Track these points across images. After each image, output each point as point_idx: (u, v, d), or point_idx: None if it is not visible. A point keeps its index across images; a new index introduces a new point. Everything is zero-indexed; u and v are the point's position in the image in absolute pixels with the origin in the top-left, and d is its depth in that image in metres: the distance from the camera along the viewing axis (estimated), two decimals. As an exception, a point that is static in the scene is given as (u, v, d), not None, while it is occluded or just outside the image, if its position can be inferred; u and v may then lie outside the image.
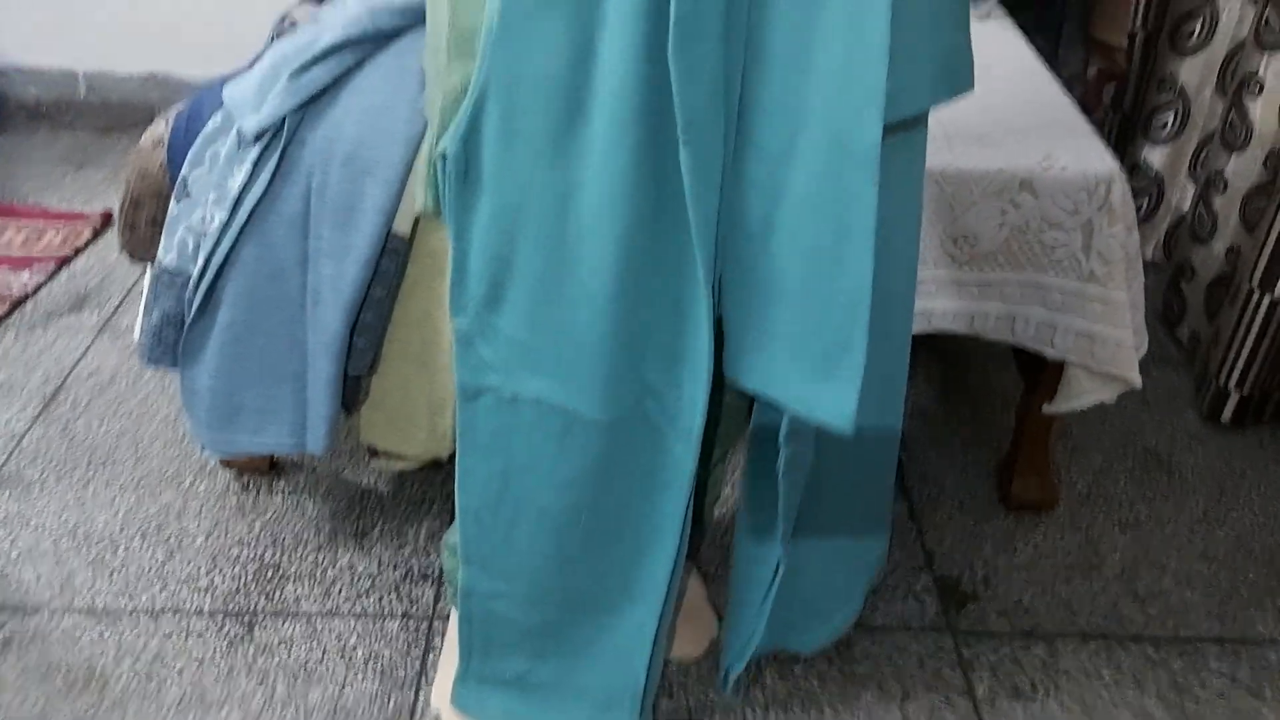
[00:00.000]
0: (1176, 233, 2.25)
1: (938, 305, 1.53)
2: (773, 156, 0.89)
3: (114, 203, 2.41)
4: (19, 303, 2.09)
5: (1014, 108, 1.60)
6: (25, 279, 2.14)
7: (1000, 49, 1.81)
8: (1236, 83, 1.98)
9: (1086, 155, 1.47)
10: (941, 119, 1.55)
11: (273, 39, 1.56)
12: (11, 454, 1.72)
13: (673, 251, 0.93)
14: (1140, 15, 2.22)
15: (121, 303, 2.11)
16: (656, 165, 0.89)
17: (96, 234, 2.33)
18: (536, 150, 0.91)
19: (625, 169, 0.88)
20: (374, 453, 1.60)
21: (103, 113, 2.84)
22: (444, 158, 0.96)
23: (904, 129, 0.96)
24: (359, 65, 1.39)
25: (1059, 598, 1.54)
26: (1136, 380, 1.47)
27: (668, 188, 0.90)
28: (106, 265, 2.23)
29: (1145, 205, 2.31)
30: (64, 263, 2.22)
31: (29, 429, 1.78)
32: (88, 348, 1.98)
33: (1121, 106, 2.31)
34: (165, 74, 2.80)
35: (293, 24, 1.67)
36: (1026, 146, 1.48)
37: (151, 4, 2.70)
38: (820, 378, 0.93)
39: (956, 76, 0.96)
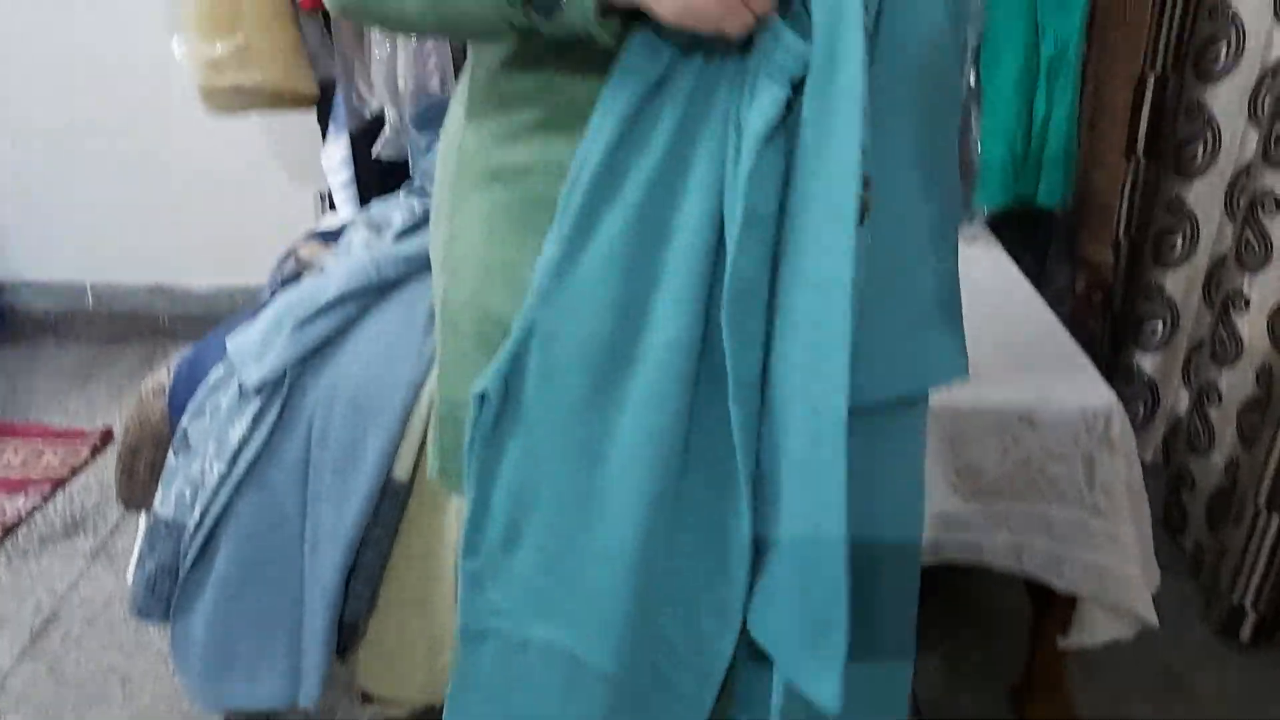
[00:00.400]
0: (1174, 438, 2.25)
1: (945, 537, 1.51)
2: (774, 420, 0.89)
3: (116, 418, 2.44)
4: (11, 529, 2.07)
5: (1008, 338, 1.62)
6: (20, 503, 2.13)
7: (989, 272, 1.86)
8: (1222, 297, 2.02)
9: (1083, 388, 1.49)
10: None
11: (279, 281, 1.60)
12: (-5, 698, 1.67)
13: (706, 508, 0.92)
14: (1122, 224, 2.29)
15: (117, 525, 2.09)
16: (694, 423, 0.89)
17: (95, 452, 2.33)
18: (575, 399, 0.90)
19: (664, 426, 0.88)
20: (367, 698, 1.55)
21: (109, 323, 2.88)
22: (481, 397, 0.94)
23: (900, 403, 0.97)
24: (363, 313, 1.42)
25: (1086, 846, 1.46)
26: (1152, 618, 1.44)
27: (704, 446, 0.90)
28: (103, 485, 2.22)
29: (1141, 411, 2.32)
30: (60, 484, 2.21)
31: (15, 666, 1.73)
32: (81, 574, 1.95)
33: (1110, 312, 2.36)
34: (172, 285, 2.87)
35: (297, 261, 1.72)
36: (1024, 380, 1.50)
37: (158, 217, 2.78)
38: (809, 647, 0.91)
39: (939, 369, 0.97)
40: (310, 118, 2.27)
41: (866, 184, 0.78)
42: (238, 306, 2.84)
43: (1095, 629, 1.50)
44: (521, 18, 0.80)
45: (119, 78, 2.64)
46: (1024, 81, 1.85)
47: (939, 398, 1.47)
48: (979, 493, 1.49)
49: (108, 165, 2.75)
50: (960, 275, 1.57)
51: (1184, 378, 2.24)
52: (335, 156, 2.20)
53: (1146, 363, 2.30)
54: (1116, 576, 1.45)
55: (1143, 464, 2.26)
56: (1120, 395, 2.27)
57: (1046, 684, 1.64)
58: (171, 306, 2.87)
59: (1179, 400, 2.27)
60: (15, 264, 2.88)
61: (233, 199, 2.74)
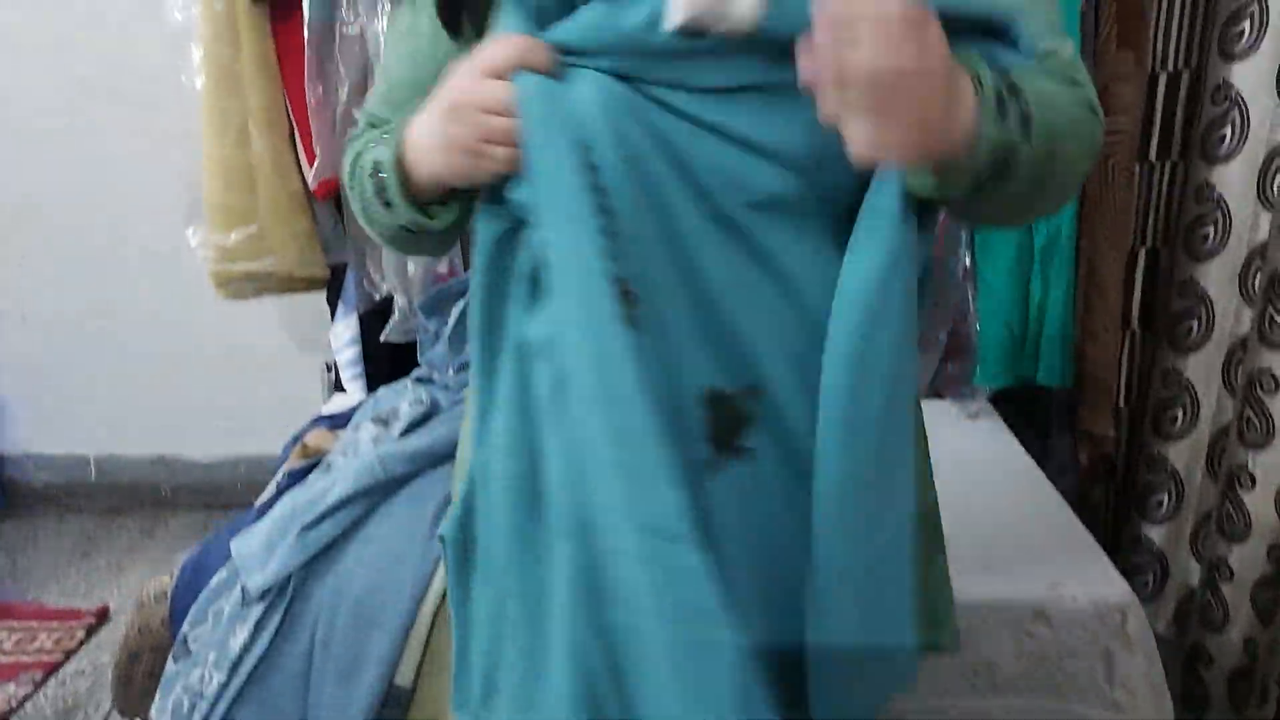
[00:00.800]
0: (1187, 612, 2.22)
1: (962, 735, 1.47)
2: None
3: (113, 595, 2.40)
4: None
5: (1016, 525, 1.62)
6: (11, 691, 2.07)
7: (992, 449, 1.87)
8: (1226, 473, 2.02)
9: (1097, 581, 1.48)
10: (948, 539, 1.56)
11: (286, 477, 1.60)
12: None
13: None
14: (1121, 395, 2.31)
15: (109, 715, 2.03)
16: None
17: (90, 633, 2.28)
18: (510, 539, 0.90)
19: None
20: None
21: (111, 494, 2.87)
22: (442, 540, 0.96)
23: None
24: (370, 513, 1.42)
25: None
26: (1181, 823, 1.39)
27: None
28: (97, 669, 2.17)
29: (1150, 582, 2.29)
30: (53, 669, 2.16)
31: None
32: (68, 773, 1.88)
33: (1114, 483, 2.35)
34: (174, 455, 2.87)
35: (304, 449, 1.72)
36: (1035, 572, 1.48)
37: (160, 389, 2.80)
38: None
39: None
40: (319, 295, 2.31)
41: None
42: (239, 476, 2.84)
43: (1124, 835, 1.44)
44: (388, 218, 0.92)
45: (127, 260, 2.71)
46: (1019, 265, 1.90)
47: (954, 587, 1.46)
48: (996, 689, 1.45)
49: (112, 340, 2.78)
50: (963, 453, 1.58)
51: (1193, 549, 2.22)
52: (343, 335, 2.24)
53: (1154, 534, 2.28)
54: (1142, 779, 1.41)
55: (1157, 636, 2.24)
56: (1129, 566, 2.26)
57: None
58: (173, 477, 2.87)
59: (1189, 571, 2.24)
60: (18, 437, 2.89)
61: (236, 370, 2.76)
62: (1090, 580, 1.47)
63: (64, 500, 2.87)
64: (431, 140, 0.87)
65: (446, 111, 0.85)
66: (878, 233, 0.79)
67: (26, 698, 2.07)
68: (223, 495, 2.80)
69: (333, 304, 2.29)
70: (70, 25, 2.55)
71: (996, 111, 0.76)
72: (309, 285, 2.15)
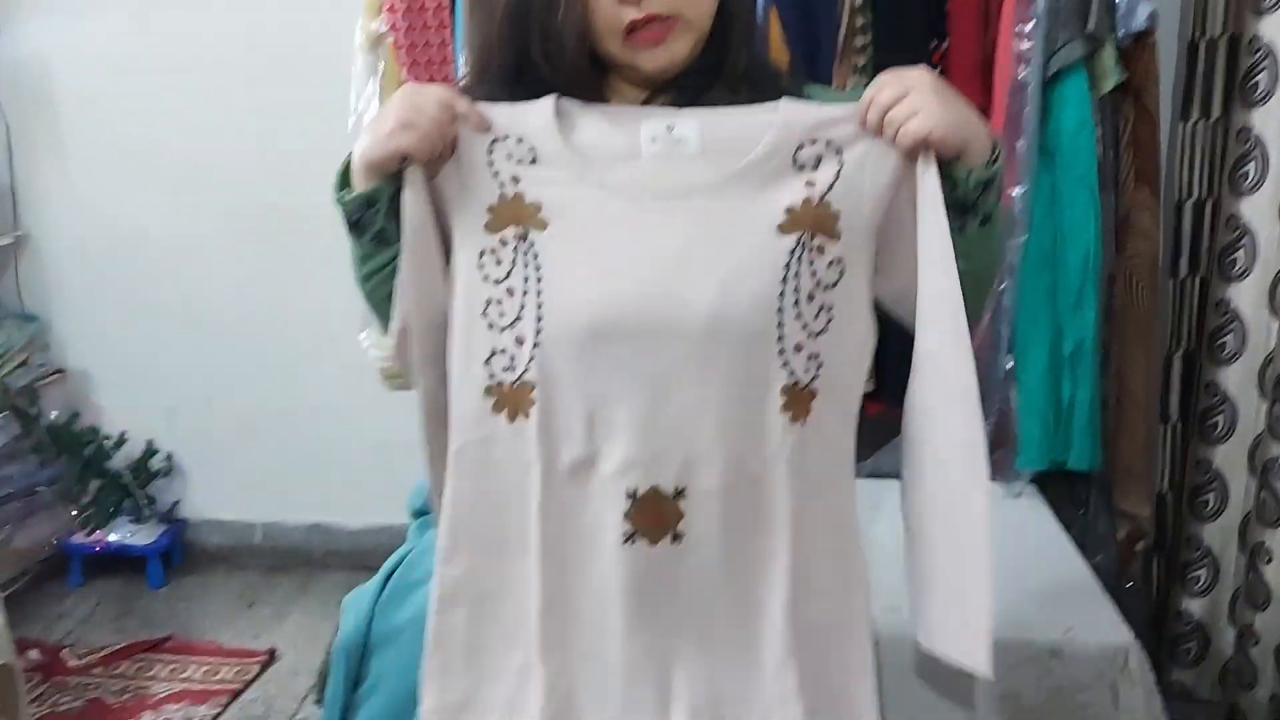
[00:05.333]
0: (1225, 675, 2.45)
1: (993, 757, 1.77)
2: None
3: (277, 640, 2.82)
4: (197, 732, 2.43)
5: (1042, 584, 1.92)
6: (204, 711, 2.50)
7: (1030, 524, 2.17)
8: (1250, 549, 2.29)
9: (1104, 627, 1.77)
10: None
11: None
12: None
13: None
14: (1164, 480, 2.59)
15: (282, 733, 2.44)
16: None
17: (263, 669, 2.71)
18: None
19: None
20: None
21: (273, 555, 3.33)
22: None
23: None
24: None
25: None
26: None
27: None
28: (269, 698, 2.58)
29: (1194, 650, 2.53)
30: (235, 695, 2.58)
31: None
32: (253, 779, 2.28)
33: (1163, 553, 2.61)
34: (327, 524, 3.32)
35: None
36: (1053, 618, 1.79)
37: (317, 466, 3.26)
38: None
39: None
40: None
41: None
42: (380, 542, 3.26)
43: (1132, 847, 1.71)
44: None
45: (298, 358, 3.21)
46: (1051, 369, 2.23)
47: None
48: (1020, 715, 1.75)
49: (280, 424, 3.27)
50: (1004, 525, 1.91)
51: (1230, 620, 2.47)
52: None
53: (1194, 607, 2.53)
54: (1147, 797, 1.68)
55: (1201, 701, 2.47)
56: (1175, 636, 2.51)
57: None
58: (326, 543, 3.31)
59: (1228, 641, 2.48)
60: (196, 504, 3.38)
61: (383, 452, 3.20)
62: (1098, 627, 1.77)
63: (232, 559, 3.33)
64: (374, 123, 1.11)
65: (402, 94, 1.11)
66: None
67: (216, 717, 2.50)
68: (367, 558, 3.22)
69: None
70: (251, 153, 3.08)
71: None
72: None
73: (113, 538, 3.13)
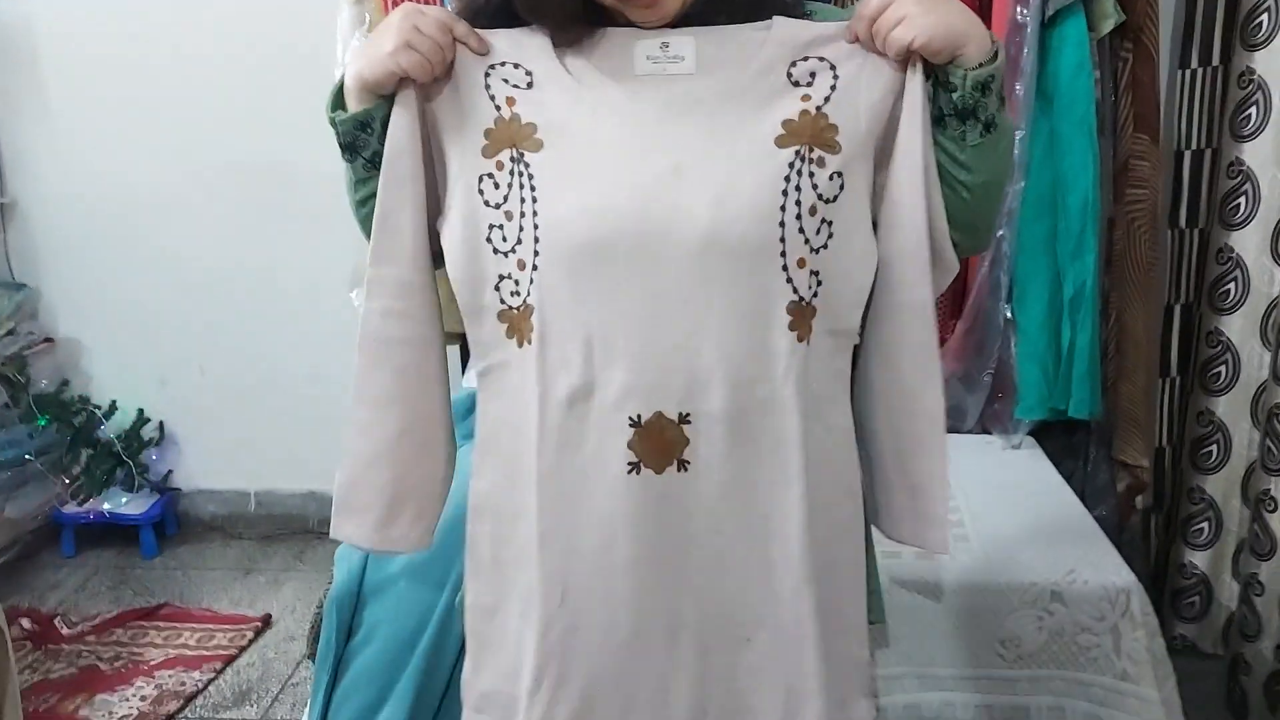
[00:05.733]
0: (1230, 628, 2.43)
1: (995, 699, 1.74)
2: None
3: (274, 605, 2.80)
4: (191, 698, 2.41)
5: (1044, 528, 1.90)
6: (197, 676, 2.48)
7: (1030, 473, 2.15)
8: (1254, 499, 2.26)
9: (1106, 568, 1.75)
10: (982, 537, 1.86)
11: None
12: (181, 836, 1.97)
13: None
14: (1163, 436, 2.56)
15: (279, 695, 2.42)
16: None
17: (258, 634, 2.68)
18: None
19: None
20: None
21: (267, 524, 3.30)
22: None
23: None
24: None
25: None
26: (1181, 771, 1.64)
27: None
28: (265, 661, 2.56)
29: (1197, 604, 2.51)
30: (230, 660, 2.56)
31: (195, 814, 2.03)
32: (248, 739, 2.26)
33: (1160, 512, 2.60)
34: (323, 491, 3.29)
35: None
36: (1055, 559, 1.77)
37: (312, 433, 3.22)
38: None
39: None
40: (453, 349, 2.71)
41: None
42: (376, 511, 3.25)
43: (1133, 785, 1.69)
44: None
45: (287, 326, 3.18)
46: (1050, 315, 2.20)
47: (980, 574, 1.76)
48: (1022, 660, 1.73)
49: (273, 392, 3.25)
50: (1003, 475, 1.89)
51: (1233, 572, 2.44)
52: (474, 381, 2.63)
53: (1198, 559, 2.51)
54: (1148, 736, 1.66)
55: (1205, 654, 2.45)
56: (1177, 589, 2.49)
57: None
58: (321, 510, 3.28)
59: (1231, 593, 2.46)
60: (191, 474, 3.35)
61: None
62: (1100, 568, 1.75)
63: (228, 528, 3.31)
64: (370, 43, 1.09)
65: (401, 14, 1.08)
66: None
67: (210, 681, 2.47)
68: (363, 526, 3.20)
69: (464, 358, 2.69)
70: (239, 111, 3.03)
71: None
72: (449, 340, 2.55)
73: (105, 507, 3.10)
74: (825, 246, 1.11)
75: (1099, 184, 2.18)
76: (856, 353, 1.18)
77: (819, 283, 1.11)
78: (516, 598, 1.20)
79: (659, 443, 1.10)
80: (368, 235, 1.22)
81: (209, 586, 2.97)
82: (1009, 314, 2.27)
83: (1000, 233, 2.22)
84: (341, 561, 1.77)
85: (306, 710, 1.77)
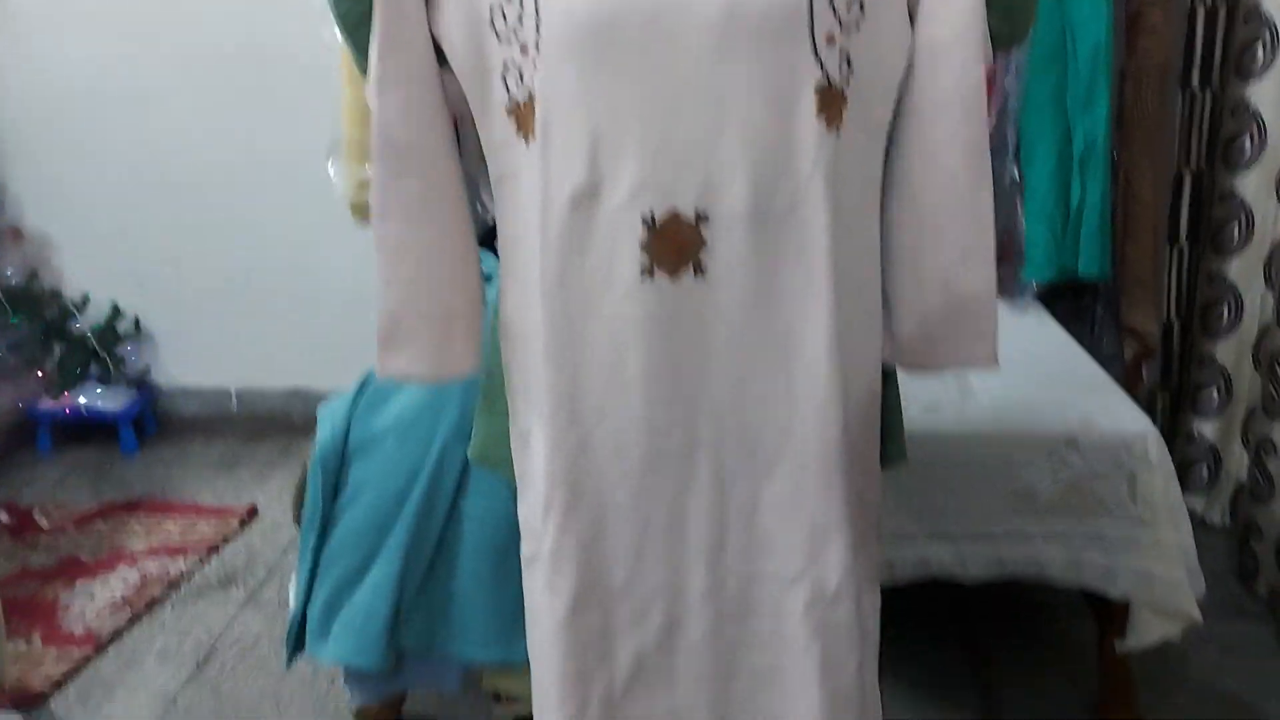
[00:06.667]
0: (1239, 497, 2.39)
1: (1007, 553, 1.69)
2: None
3: (259, 497, 2.73)
4: (175, 582, 2.34)
5: (1055, 379, 1.83)
6: (181, 563, 2.41)
7: (1038, 334, 2.07)
8: (1268, 359, 2.20)
9: (1122, 415, 1.68)
10: (992, 393, 1.79)
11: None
12: (167, 710, 1.91)
13: None
14: (1172, 306, 2.49)
15: (266, 579, 2.35)
16: None
17: (243, 524, 2.61)
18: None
19: None
20: (497, 698, 1.76)
21: (251, 423, 3.22)
22: None
23: None
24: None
25: (1158, 839, 1.57)
26: (1197, 616, 1.59)
27: None
28: (252, 549, 2.50)
29: (1205, 474, 2.46)
30: (215, 549, 2.49)
31: (182, 688, 1.97)
32: (234, 618, 2.20)
33: (1169, 385, 2.53)
34: (306, 388, 3.20)
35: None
36: (1068, 408, 1.70)
37: (293, 328, 3.14)
38: None
39: None
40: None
41: None
42: (362, 407, 3.16)
43: (1148, 632, 1.64)
44: None
45: (266, 214, 3.06)
46: (1059, 172, 2.11)
47: (994, 425, 1.69)
48: (1036, 512, 1.67)
49: (252, 286, 3.14)
50: (1012, 336, 1.81)
51: (1243, 440, 2.39)
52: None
53: (1206, 428, 2.45)
54: (1164, 581, 1.61)
55: (1211, 527, 2.41)
56: (1183, 460, 2.43)
57: (1117, 701, 1.76)
58: (306, 408, 3.18)
59: (1241, 463, 2.41)
60: (169, 372, 3.25)
61: (360, 310, 3.08)
62: (1116, 416, 1.68)
63: (209, 428, 3.22)
64: None
65: None
66: None
67: (194, 569, 2.41)
68: (349, 420, 3.12)
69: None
70: None
71: None
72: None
73: (81, 402, 3.00)
74: (857, 27, 1.01)
75: (1111, 30, 2.07)
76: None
77: (850, 68, 1.02)
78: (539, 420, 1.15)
79: (674, 244, 1.03)
80: (347, 37, 1.14)
81: (191, 482, 2.89)
82: (1016, 174, 2.18)
83: (1006, 88, 2.12)
84: (325, 420, 1.69)
85: (294, 575, 1.71)
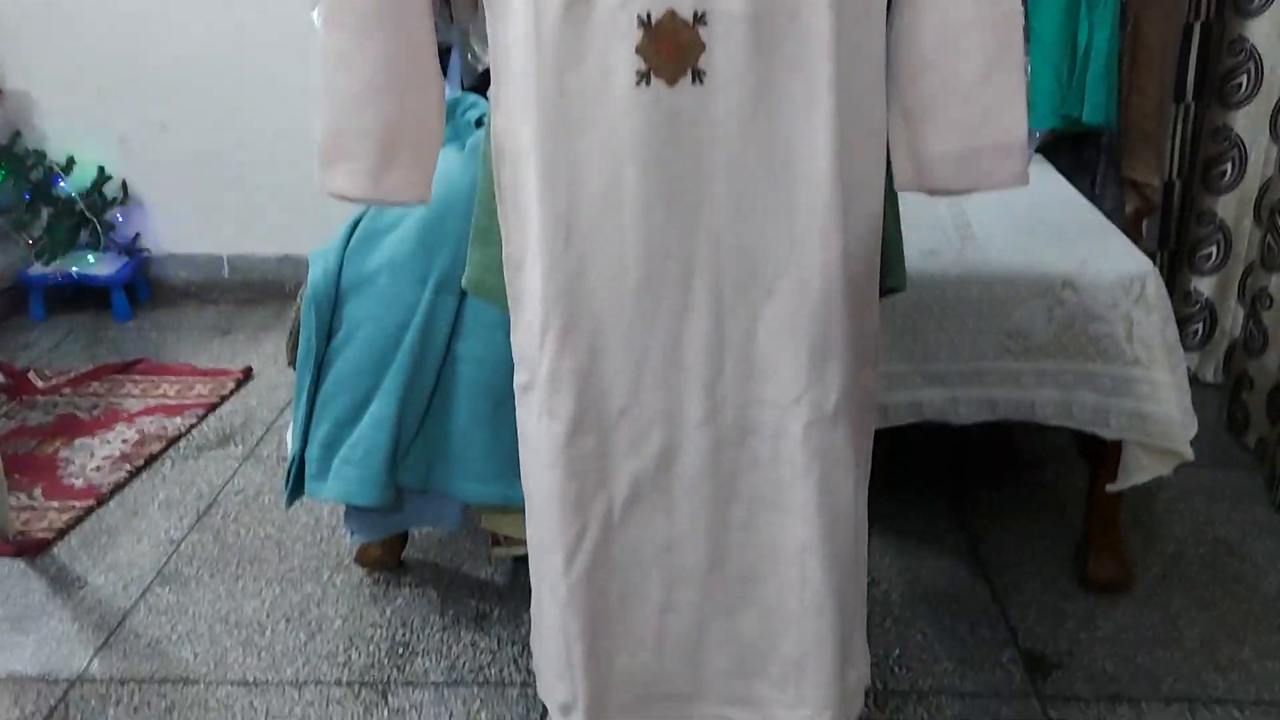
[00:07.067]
0: (1232, 354, 2.39)
1: (1000, 394, 1.69)
2: None
3: (255, 359, 2.73)
4: (174, 440, 2.35)
5: (1053, 221, 1.81)
6: (179, 422, 2.42)
7: (1039, 184, 2.03)
8: (1269, 212, 2.17)
9: (1120, 256, 1.67)
10: (990, 234, 1.77)
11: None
12: (171, 556, 1.94)
13: None
14: (1175, 164, 2.46)
15: (264, 436, 2.37)
16: None
17: (240, 384, 2.62)
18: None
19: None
20: (496, 541, 1.78)
21: (243, 289, 3.20)
22: None
23: None
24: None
25: (1142, 667, 1.61)
26: (1188, 453, 1.60)
27: None
28: (249, 409, 2.50)
29: (1200, 331, 2.46)
30: (212, 408, 2.50)
31: (186, 536, 2.00)
32: (235, 472, 2.22)
33: (1167, 243, 2.52)
34: (298, 255, 3.16)
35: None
36: (1067, 250, 1.68)
37: (285, 194, 3.08)
38: None
39: None
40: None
41: None
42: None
43: (1139, 470, 1.66)
44: None
45: (255, 76, 2.98)
46: (1067, 17, 2.04)
47: (989, 264, 1.68)
48: (1029, 352, 1.66)
49: (243, 150, 3.08)
50: (1015, 190, 1.77)
51: (1240, 296, 2.39)
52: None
53: (1204, 285, 2.44)
54: (1157, 420, 1.61)
55: (1204, 384, 2.41)
56: (1179, 318, 2.42)
57: (1104, 541, 1.79)
58: (299, 274, 3.14)
59: (1236, 323, 2.41)
60: (160, 238, 3.21)
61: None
62: (1114, 257, 1.66)
63: (201, 294, 3.21)
64: None
65: None
66: None
67: (192, 426, 2.42)
68: (342, 286, 3.10)
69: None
70: None
71: None
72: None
73: (73, 269, 2.98)
74: None
75: None
76: None
77: None
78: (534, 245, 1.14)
79: (671, 47, 1.00)
80: None
81: (185, 347, 2.89)
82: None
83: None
84: (317, 259, 1.67)
85: (290, 421, 1.71)
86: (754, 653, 1.24)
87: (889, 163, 1.20)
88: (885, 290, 1.39)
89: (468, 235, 1.34)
